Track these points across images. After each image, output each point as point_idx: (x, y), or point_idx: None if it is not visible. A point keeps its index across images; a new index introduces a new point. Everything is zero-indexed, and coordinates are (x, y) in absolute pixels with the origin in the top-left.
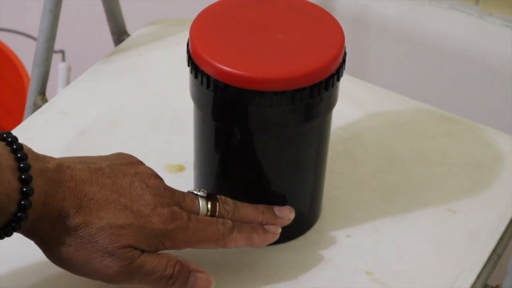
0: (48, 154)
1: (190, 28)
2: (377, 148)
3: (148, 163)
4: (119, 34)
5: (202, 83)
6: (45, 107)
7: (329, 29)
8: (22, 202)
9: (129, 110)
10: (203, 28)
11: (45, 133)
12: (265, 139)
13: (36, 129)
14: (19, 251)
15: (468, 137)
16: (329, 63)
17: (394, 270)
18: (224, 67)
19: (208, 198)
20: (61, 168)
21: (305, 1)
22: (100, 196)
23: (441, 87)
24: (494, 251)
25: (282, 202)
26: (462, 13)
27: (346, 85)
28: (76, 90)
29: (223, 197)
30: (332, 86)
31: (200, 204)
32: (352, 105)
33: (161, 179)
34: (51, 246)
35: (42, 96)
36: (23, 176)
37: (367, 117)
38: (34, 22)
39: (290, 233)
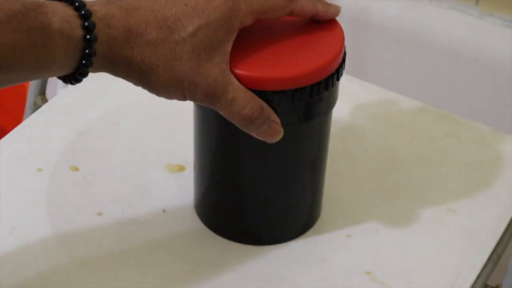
0: (48, 154)
1: None
2: (377, 148)
3: (148, 163)
4: None
5: None
6: (45, 107)
7: (329, 29)
8: (86, 23)
9: (129, 110)
10: None
11: (45, 133)
12: None
13: (36, 129)
14: (20, 251)
15: (468, 137)
16: (329, 62)
17: (394, 270)
18: None
19: None
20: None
21: None
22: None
23: (441, 87)
24: (494, 251)
25: (282, 201)
26: (462, 13)
27: (346, 85)
28: (76, 90)
29: None
30: (332, 85)
31: None
32: (352, 105)
33: None
34: (137, 71)
35: (42, 96)
36: None
37: (367, 117)
38: None
39: (290, 233)
